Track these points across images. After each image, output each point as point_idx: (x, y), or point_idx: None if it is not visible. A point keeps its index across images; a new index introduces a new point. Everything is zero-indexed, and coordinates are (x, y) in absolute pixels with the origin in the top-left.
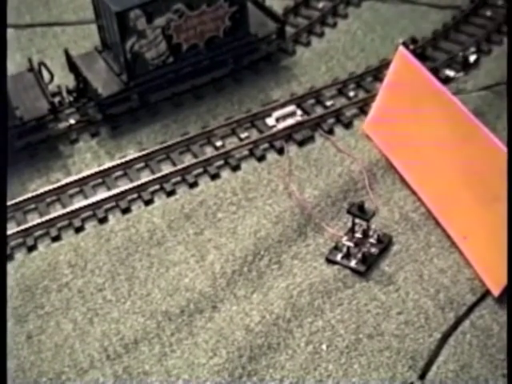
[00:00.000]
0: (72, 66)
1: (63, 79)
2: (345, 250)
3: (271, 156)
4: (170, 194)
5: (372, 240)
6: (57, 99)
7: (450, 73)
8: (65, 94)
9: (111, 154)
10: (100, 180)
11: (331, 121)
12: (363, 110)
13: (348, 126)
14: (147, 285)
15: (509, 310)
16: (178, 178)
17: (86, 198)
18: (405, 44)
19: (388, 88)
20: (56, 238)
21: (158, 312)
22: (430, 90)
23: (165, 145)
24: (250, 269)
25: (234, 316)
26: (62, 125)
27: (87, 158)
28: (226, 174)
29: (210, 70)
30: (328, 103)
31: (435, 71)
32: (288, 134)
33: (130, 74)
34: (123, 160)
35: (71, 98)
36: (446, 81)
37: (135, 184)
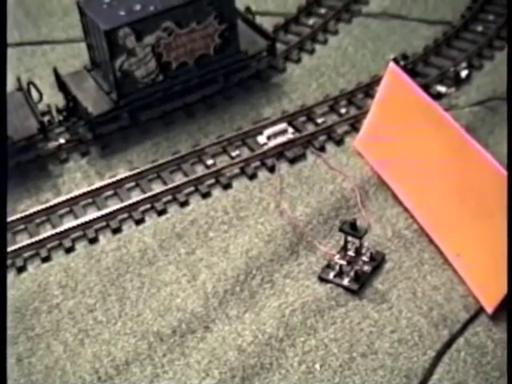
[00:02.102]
0: (61, 85)
1: (52, 98)
2: (337, 268)
3: (262, 174)
4: (161, 213)
5: (365, 258)
6: (46, 118)
7: (442, 89)
8: (54, 113)
9: (101, 174)
10: (90, 200)
11: (322, 138)
12: (355, 126)
13: (339, 143)
14: (138, 305)
15: (509, 325)
16: (169, 197)
17: (76, 217)
18: (395, 60)
19: (379, 104)
20: (46, 259)
21: (149, 333)
22: (422, 106)
23: (155, 164)
24: (242, 288)
25: (226, 336)
26: (52, 144)
27: (77, 177)
28: (217, 192)
29: (200, 88)
30: (319, 120)
31: (426, 87)
32: (279, 152)
33: (119, 92)
34: (113, 179)
35: (61, 118)
36: (437, 97)
37: (126, 203)
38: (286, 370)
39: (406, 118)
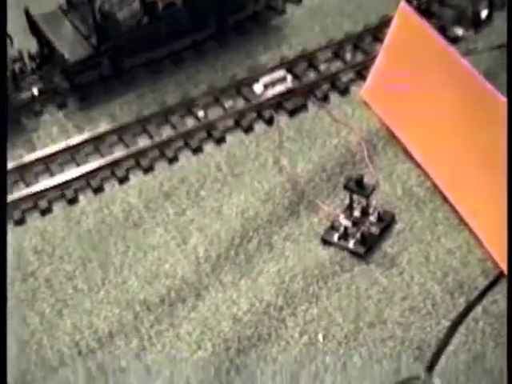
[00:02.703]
0: (34, 28)
1: (24, 43)
2: (342, 229)
3: (259, 127)
4: (147, 170)
5: (372, 218)
6: (17, 66)
7: (459, 31)
8: (26, 59)
9: (80, 128)
10: (68, 156)
11: (326, 87)
12: (361, 74)
13: (344, 92)
14: (123, 272)
15: (509, 320)
16: (156, 153)
17: (52, 176)
18: None
19: (389, 49)
20: (20, 222)
21: (135, 302)
22: (436, 51)
23: (140, 116)
24: (238, 252)
25: (219, 304)
26: (25, 95)
27: (53, 131)
28: (209, 147)
29: (189, 32)
30: (322, 67)
31: (442, 30)
32: (278, 103)
33: (99, 36)
34: (94, 134)
35: (34, 65)
36: (454, 40)
37: (108, 160)
38: (286, 342)
39: (419, 64)
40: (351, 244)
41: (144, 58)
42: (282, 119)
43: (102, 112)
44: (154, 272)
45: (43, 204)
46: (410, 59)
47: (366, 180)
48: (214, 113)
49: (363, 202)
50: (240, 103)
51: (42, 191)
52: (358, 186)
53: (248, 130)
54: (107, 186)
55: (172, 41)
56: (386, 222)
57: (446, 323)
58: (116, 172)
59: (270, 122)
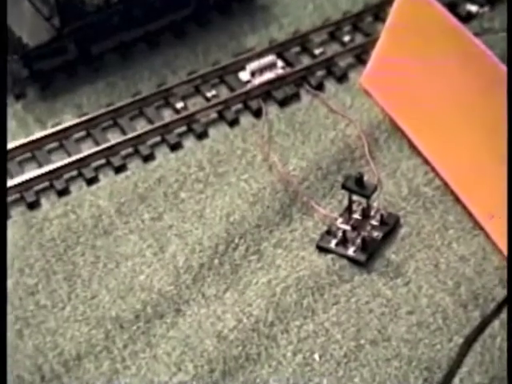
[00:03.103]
0: None
1: None
2: (340, 234)
3: (246, 119)
4: (120, 169)
5: (374, 222)
6: None
7: (472, 8)
8: None
9: (42, 121)
10: (29, 154)
11: (321, 73)
12: (361, 58)
13: (342, 79)
14: (92, 285)
15: (509, 324)
16: (130, 150)
17: (11, 177)
18: None
19: (392, 30)
20: None
21: (106, 319)
22: (446, 31)
23: (111, 108)
24: (222, 261)
25: (202, 321)
26: None
27: (12, 126)
28: (189, 143)
29: (166, 12)
30: (317, 51)
31: (452, 6)
32: (267, 92)
33: (63, 17)
34: (58, 128)
35: None
36: (466, 18)
37: (74, 158)
38: (278, 362)
39: (426, 46)
40: (350, 251)
41: (114, 41)
42: (272, 110)
43: (67, 103)
44: (128, 285)
45: None
46: (415, 41)
47: (366, 178)
48: (195, 104)
49: (364, 203)
50: (224, 93)
51: None
52: (357, 186)
53: (233, 122)
54: (73, 188)
55: (146, 22)
56: (390, 225)
57: (459, 340)
58: (83, 172)
59: (257, 113)
